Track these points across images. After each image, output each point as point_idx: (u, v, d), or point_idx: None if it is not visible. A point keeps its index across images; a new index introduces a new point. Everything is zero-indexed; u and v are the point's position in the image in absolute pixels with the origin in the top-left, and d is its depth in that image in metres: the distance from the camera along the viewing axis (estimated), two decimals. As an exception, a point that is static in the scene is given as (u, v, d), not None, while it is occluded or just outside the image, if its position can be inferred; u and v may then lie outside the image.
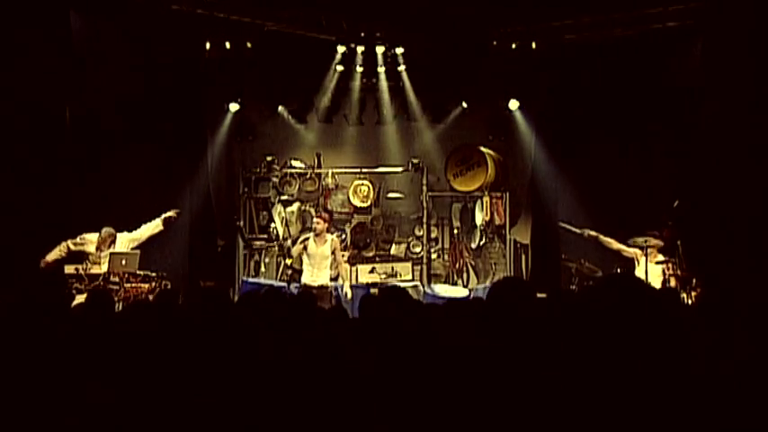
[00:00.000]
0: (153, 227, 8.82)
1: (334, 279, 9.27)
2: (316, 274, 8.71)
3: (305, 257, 8.86)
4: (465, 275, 11.46)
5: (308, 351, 3.01)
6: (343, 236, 11.33)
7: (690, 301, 7.68)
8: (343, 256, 9.10)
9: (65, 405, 2.72)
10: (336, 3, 9.73)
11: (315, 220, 9.05)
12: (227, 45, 10.02)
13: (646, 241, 8.77)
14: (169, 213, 8.82)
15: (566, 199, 10.71)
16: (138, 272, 8.31)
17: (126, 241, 8.64)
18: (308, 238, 8.86)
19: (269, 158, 11.46)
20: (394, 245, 11.65)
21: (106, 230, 8.47)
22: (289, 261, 9.63)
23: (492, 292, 2.92)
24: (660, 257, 8.75)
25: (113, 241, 8.51)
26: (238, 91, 11.12)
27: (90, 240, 8.44)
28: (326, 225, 8.87)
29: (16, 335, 3.23)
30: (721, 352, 2.82)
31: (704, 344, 2.88)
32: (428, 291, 10.69)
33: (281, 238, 11.02)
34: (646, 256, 8.73)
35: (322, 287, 8.62)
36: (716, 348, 2.87)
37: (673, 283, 8.41)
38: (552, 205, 10.87)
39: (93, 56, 9.02)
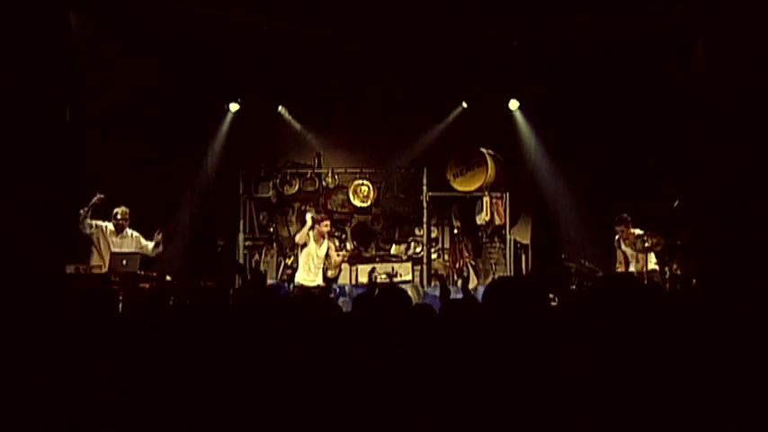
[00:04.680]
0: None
1: (332, 280, 9.33)
2: (313, 274, 8.84)
3: (302, 258, 8.94)
4: (465, 275, 11.45)
5: (307, 351, 3.01)
6: (344, 236, 11.33)
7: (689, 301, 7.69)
8: (338, 255, 9.26)
9: (64, 406, 2.72)
10: (336, 2, 9.72)
11: (324, 223, 9.11)
12: (228, 45, 10.01)
13: (644, 240, 8.78)
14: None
15: (565, 199, 10.71)
16: (138, 272, 8.31)
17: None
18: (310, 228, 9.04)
19: (269, 158, 11.47)
20: (394, 245, 11.65)
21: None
22: (288, 261, 9.66)
23: (487, 293, 2.92)
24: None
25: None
26: (238, 91, 11.12)
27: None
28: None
29: (15, 336, 3.23)
30: (720, 352, 2.82)
31: (703, 343, 2.88)
32: (428, 291, 10.69)
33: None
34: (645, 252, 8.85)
35: (320, 287, 8.71)
36: (715, 348, 2.87)
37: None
38: (552, 205, 10.86)
39: (93, 56, 9.02)
